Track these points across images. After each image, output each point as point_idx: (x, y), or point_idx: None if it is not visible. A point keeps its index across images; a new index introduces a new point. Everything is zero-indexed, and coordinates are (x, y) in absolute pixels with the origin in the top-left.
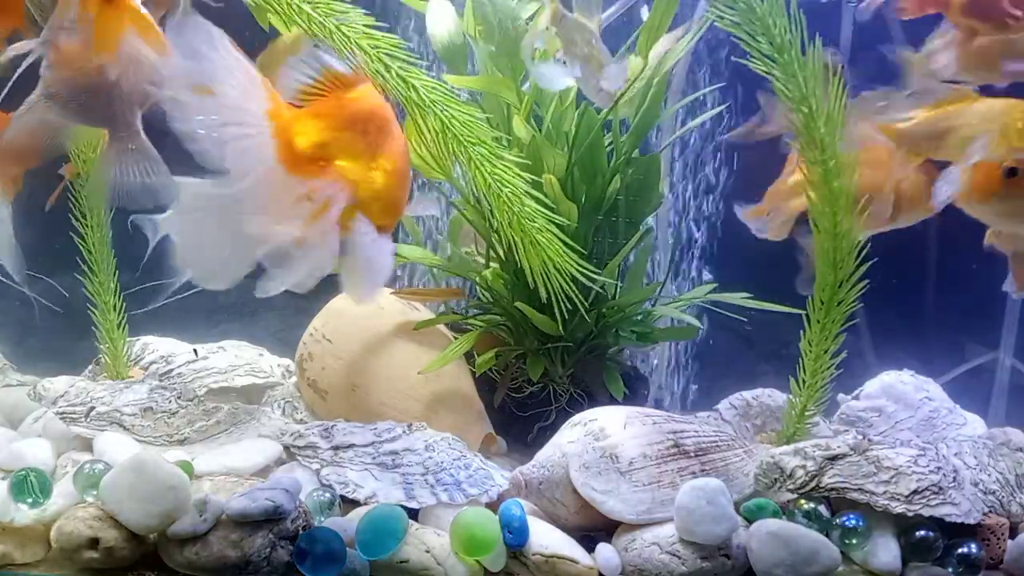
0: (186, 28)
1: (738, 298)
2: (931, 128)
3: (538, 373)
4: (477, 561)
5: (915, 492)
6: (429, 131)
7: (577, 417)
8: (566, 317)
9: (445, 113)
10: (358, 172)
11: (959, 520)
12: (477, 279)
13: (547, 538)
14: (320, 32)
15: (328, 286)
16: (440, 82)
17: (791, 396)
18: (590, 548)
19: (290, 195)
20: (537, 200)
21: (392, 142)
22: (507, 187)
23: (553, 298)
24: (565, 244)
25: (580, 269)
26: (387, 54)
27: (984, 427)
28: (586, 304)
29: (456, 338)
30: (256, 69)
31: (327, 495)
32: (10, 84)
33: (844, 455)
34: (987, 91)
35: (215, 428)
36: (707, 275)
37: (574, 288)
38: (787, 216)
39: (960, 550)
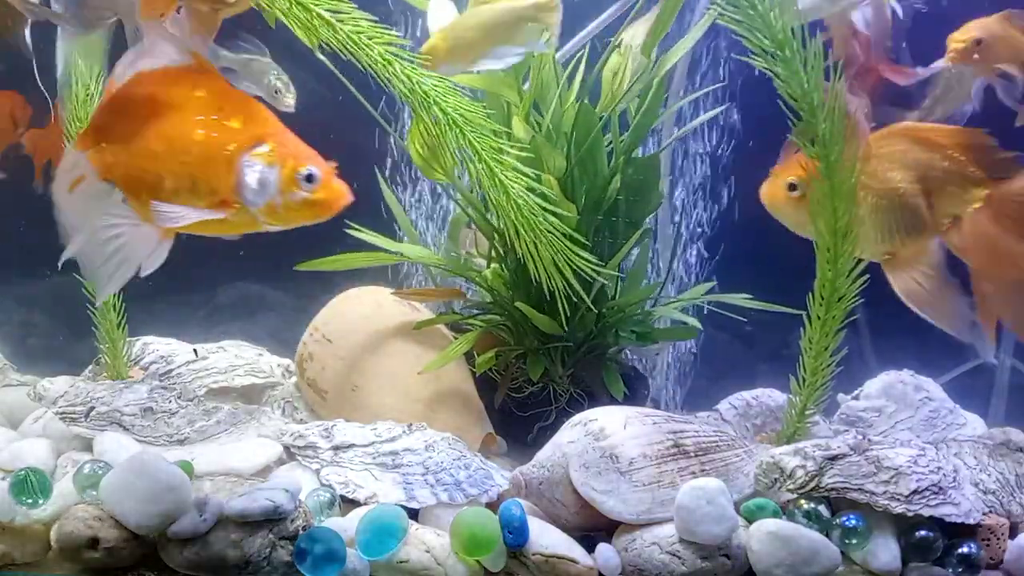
0: None
1: (738, 298)
2: None
3: (538, 373)
4: (477, 561)
5: (915, 492)
6: (434, 127)
7: (577, 417)
8: (567, 316)
9: (448, 108)
10: (114, 153)
11: (959, 520)
12: (477, 279)
13: (547, 538)
14: (324, 30)
15: (328, 286)
16: (443, 77)
17: (791, 396)
18: (590, 548)
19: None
20: (540, 195)
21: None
22: (513, 182)
23: (556, 295)
24: (569, 239)
25: (584, 263)
26: (391, 52)
27: (984, 427)
28: (588, 300)
29: (456, 338)
30: None
31: (327, 495)
32: None
33: (844, 455)
34: None
35: (215, 428)
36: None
37: (576, 284)
38: None
39: (960, 550)
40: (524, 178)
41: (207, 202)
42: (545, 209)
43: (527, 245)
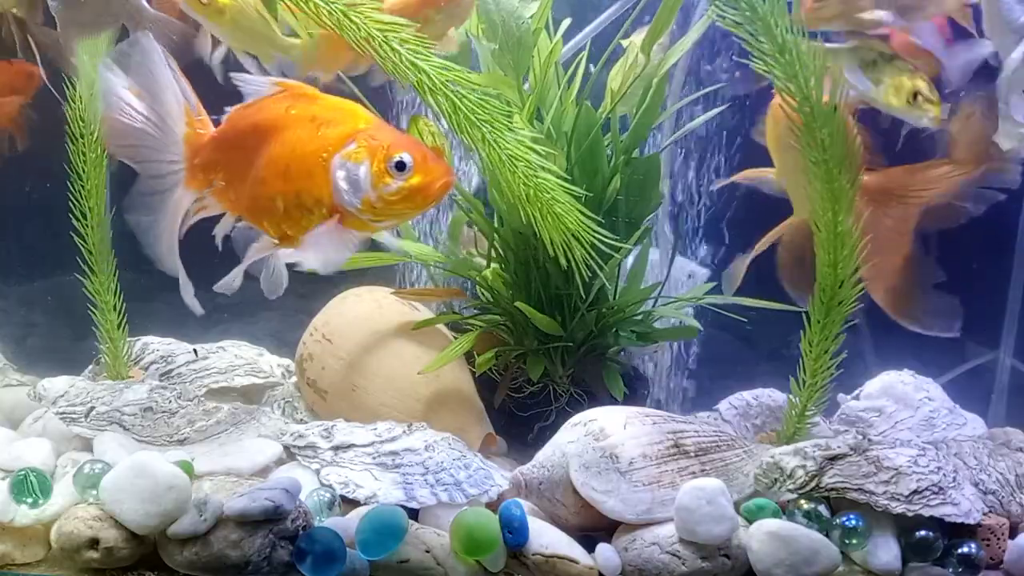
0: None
1: (737, 298)
2: None
3: (538, 373)
4: (477, 561)
5: (915, 492)
6: (442, 113)
7: (577, 417)
8: (568, 315)
9: (456, 93)
10: (233, 188)
11: (959, 520)
12: (477, 279)
13: (547, 538)
14: (328, 19)
15: (328, 287)
16: (448, 63)
17: (791, 396)
18: (590, 548)
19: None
20: (551, 172)
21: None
22: (522, 162)
23: (574, 267)
24: (583, 213)
25: (600, 238)
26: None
27: (984, 427)
28: (603, 276)
29: (456, 338)
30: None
31: (327, 495)
32: None
33: (844, 455)
34: None
35: (215, 428)
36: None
37: (595, 256)
38: None
39: (960, 550)
40: (535, 157)
41: (318, 215)
42: (558, 186)
43: (543, 225)
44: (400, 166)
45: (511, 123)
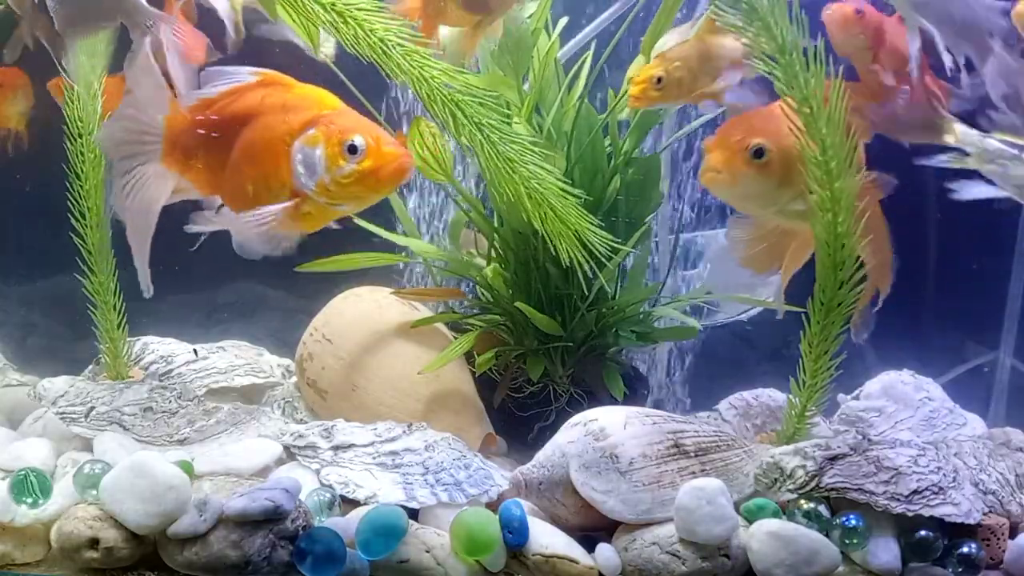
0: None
1: (737, 298)
2: None
3: (538, 373)
4: (477, 561)
5: (915, 492)
6: (440, 118)
7: (577, 417)
8: (568, 315)
9: (454, 98)
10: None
11: (959, 520)
12: (477, 279)
13: (547, 538)
14: (325, 21)
15: (328, 286)
16: (448, 66)
17: (791, 396)
18: (590, 548)
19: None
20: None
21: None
22: (521, 164)
23: (576, 264)
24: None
25: (601, 237)
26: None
27: (984, 427)
28: (603, 278)
29: (456, 338)
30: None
31: (327, 495)
32: None
33: (844, 455)
34: None
35: (215, 428)
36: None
37: (599, 253)
38: None
39: (960, 550)
40: (532, 153)
41: (282, 199)
42: (559, 187)
43: (546, 224)
44: (352, 149)
45: (510, 124)
